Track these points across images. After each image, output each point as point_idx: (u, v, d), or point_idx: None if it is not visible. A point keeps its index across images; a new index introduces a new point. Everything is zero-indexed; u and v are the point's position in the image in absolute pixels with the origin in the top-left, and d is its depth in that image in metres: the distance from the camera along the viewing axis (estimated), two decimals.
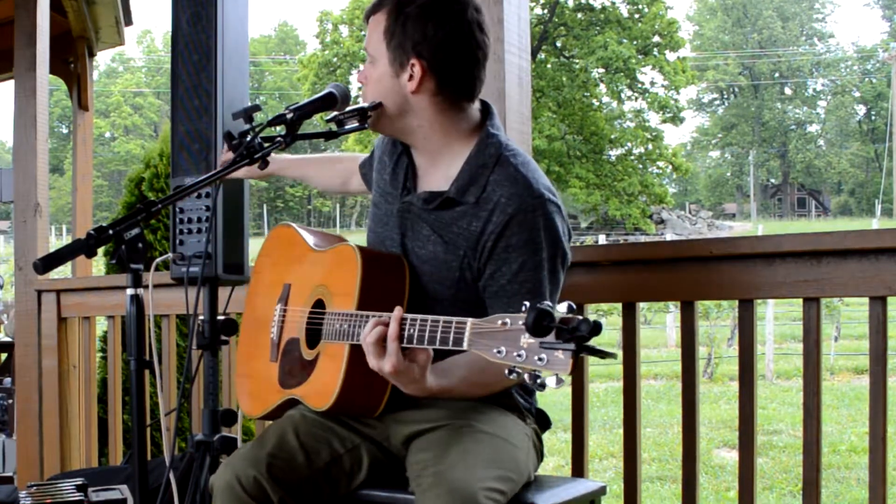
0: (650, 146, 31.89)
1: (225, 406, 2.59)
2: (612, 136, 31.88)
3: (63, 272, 5.01)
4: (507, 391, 1.88)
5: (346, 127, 1.84)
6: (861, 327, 11.97)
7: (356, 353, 1.71)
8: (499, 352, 1.39)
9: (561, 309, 1.33)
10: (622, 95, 32.62)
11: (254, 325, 2.15)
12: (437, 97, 1.81)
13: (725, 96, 55.17)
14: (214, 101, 2.45)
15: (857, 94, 52.70)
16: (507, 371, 1.37)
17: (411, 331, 1.57)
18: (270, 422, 2.01)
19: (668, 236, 28.05)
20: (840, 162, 51.91)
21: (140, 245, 1.72)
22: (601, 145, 31.54)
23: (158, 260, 2.43)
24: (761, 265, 2.01)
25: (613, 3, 32.25)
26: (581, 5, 32.36)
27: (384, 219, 1.95)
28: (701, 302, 2.40)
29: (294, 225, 2.12)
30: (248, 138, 1.81)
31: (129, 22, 5.57)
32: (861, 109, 53.29)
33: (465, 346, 1.47)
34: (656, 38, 32.10)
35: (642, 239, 28.89)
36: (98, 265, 7.95)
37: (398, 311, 1.59)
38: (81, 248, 1.67)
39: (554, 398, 1.44)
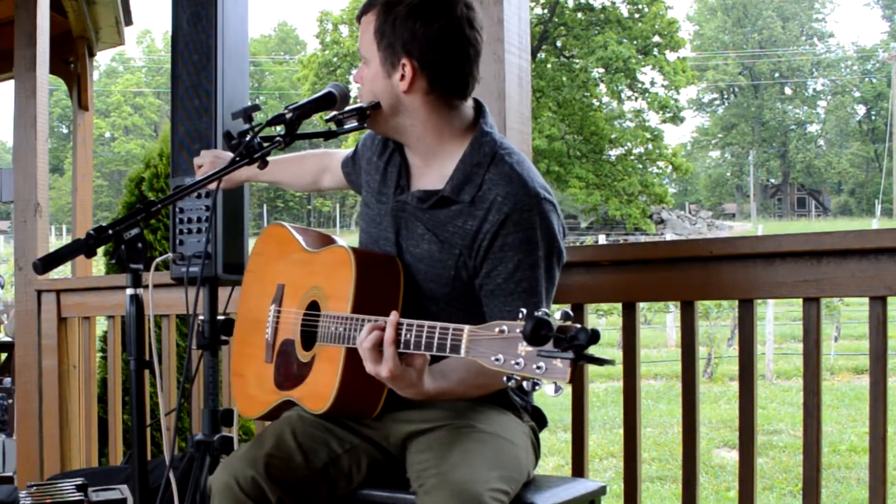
0: (650, 146, 31.88)
1: (225, 406, 2.59)
2: (612, 136, 31.88)
3: (63, 272, 5.01)
4: (503, 390, 1.88)
5: (346, 126, 1.84)
6: (861, 327, 11.97)
7: (352, 356, 1.71)
8: (497, 359, 1.39)
9: (557, 316, 1.33)
10: (622, 95, 32.62)
11: (248, 325, 2.15)
12: (429, 96, 1.81)
13: (725, 96, 55.17)
14: (214, 101, 2.45)
15: (857, 94, 52.72)
16: (504, 378, 1.38)
17: (408, 336, 1.57)
18: (269, 422, 2.01)
19: (668, 236, 28.05)
20: (840, 162, 51.92)
21: (140, 245, 1.72)
22: (601, 145, 31.54)
23: (158, 260, 2.43)
24: (761, 265, 2.01)
25: (613, 3, 32.25)
26: (581, 5, 32.35)
27: (377, 218, 1.95)
28: (701, 302, 2.40)
29: (286, 224, 2.12)
30: (248, 138, 1.80)
31: (129, 22, 5.57)
32: (861, 109, 53.31)
33: (462, 352, 1.47)
34: (656, 38, 32.10)
35: (642, 239, 28.89)
36: (98, 265, 7.96)
37: (394, 315, 1.59)
38: (81, 248, 1.67)
39: (554, 398, 1.44)
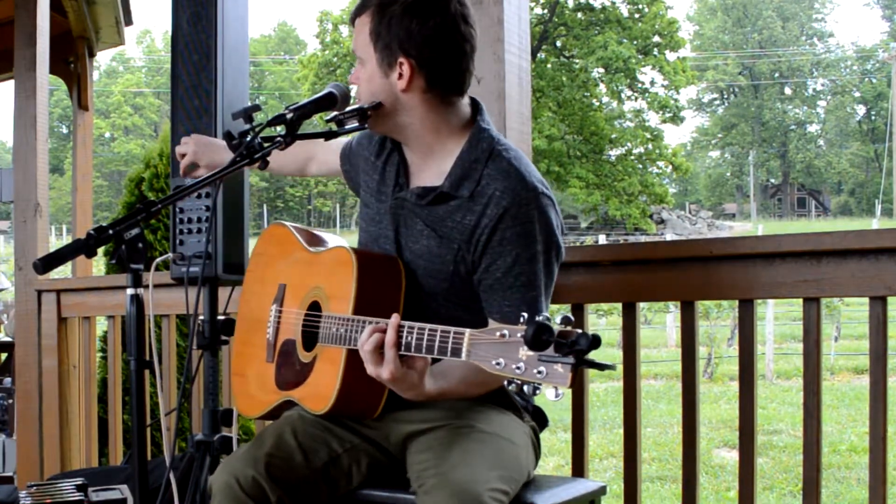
0: (650, 146, 31.88)
1: (225, 406, 2.59)
2: (612, 136, 31.88)
3: (63, 272, 5.01)
4: (503, 390, 1.88)
5: (346, 126, 1.84)
6: (861, 327, 11.97)
7: (353, 357, 1.71)
8: (498, 363, 1.39)
9: (558, 320, 1.34)
10: (622, 95, 32.62)
11: (248, 325, 2.15)
12: (427, 94, 1.82)
13: (725, 96, 55.17)
14: (214, 101, 2.45)
15: (857, 94, 52.71)
16: (505, 382, 1.38)
17: (409, 338, 1.57)
18: (269, 422, 2.01)
19: (668, 236, 28.06)
20: (840, 162, 51.92)
21: (140, 245, 1.72)
22: (601, 145, 31.54)
23: (158, 260, 2.43)
24: (761, 265, 2.01)
25: (613, 3, 32.24)
26: (581, 5, 32.35)
27: (376, 217, 1.96)
28: (701, 302, 2.40)
29: (288, 224, 2.12)
30: (248, 138, 1.81)
31: (129, 22, 5.57)
32: (861, 109, 53.31)
33: (462, 356, 1.47)
34: (656, 38, 32.10)
35: (642, 239, 28.89)
36: (98, 265, 7.95)
37: (395, 318, 1.59)
38: (81, 248, 1.67)
39: (547, 398, 1.44)
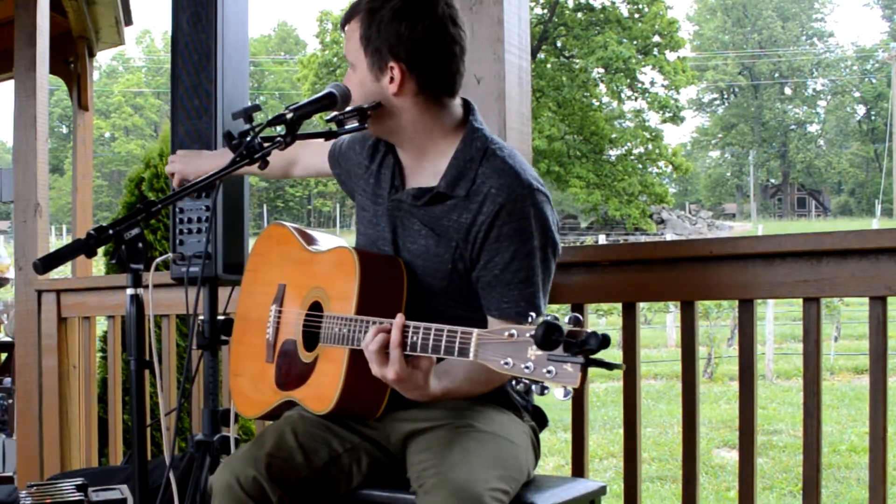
0: (650, 146, 31.89)
1: (225, 406, 2.59)
2: (612, 136, 31.88)
3: (63, 272, 5.01)
4: (504, 390, 1.89)
5: (346, 127, 1.84)
6: (861, 327, 11.97)
7: (356, 357, 1.71)
8: (506, 363, 1.40)
9: (566, 320, 1.34)
10: (622, 95, 32.62)
11: (247, 325, 2.14)
12: (419, 96, 1.82)
13: (725, 96, 55.17)
14: (214, 101, 2.45)
15: (857, 94, 52.71)
16: (514, 381, 1.38)
17: (414, 338, 1.58)
18: (269, 421, 2.01)
19: (668, 236, 28.06)
20: (840, 162, 51.92)
21: (140, 245, 1.72)
22: (601, 145, 31.54)
23: (158, 260, 2.43)
24: (761, 265, 2.01)
25: (613, 3, 32.25)
26: (581, 5, 32.35)
27: (374, 220, 1.96)
28: (701, 302, 2.40)
29: (287, 224, 2.12)
30: (248, 138, 1.80)
31: (129, 22, 5.57)
32: (861, 109, 53.31)
33: (470, 356, 1.48)
34: (656, 38, 32.10)
35: (642, 239, 28.89)
36: (98, 265, 7.95)
37: (400, 318, 1.60)
38: (81, 248, 1.67)
39: (554, 398, 1.44)
